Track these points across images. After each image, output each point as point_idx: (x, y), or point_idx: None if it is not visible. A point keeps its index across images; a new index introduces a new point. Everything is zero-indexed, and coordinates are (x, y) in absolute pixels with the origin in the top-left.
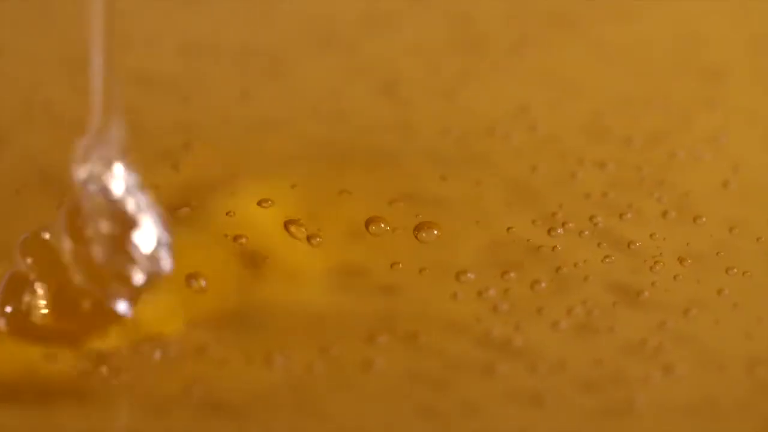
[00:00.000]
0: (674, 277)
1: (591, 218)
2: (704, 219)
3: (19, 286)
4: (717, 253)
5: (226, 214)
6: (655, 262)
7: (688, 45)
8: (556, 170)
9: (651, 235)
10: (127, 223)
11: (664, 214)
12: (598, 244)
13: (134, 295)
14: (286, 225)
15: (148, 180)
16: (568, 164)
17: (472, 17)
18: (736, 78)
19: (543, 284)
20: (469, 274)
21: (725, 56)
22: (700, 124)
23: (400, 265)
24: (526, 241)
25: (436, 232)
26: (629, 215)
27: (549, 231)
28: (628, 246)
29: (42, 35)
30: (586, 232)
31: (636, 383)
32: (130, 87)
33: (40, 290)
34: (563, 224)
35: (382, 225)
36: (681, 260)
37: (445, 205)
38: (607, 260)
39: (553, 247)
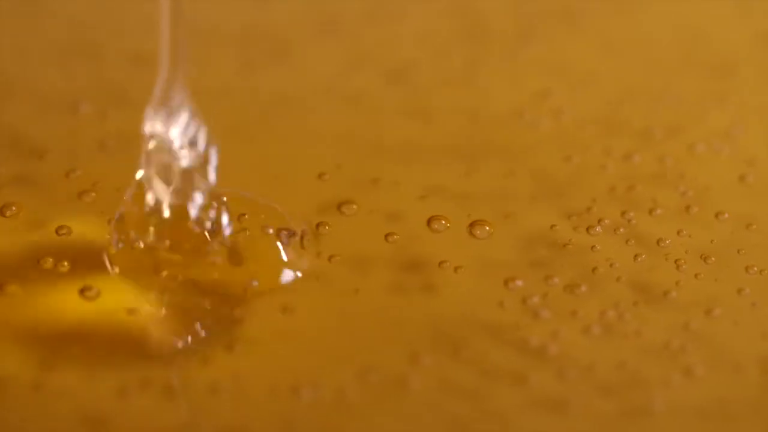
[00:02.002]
0: (695, 276)
1: (623, 213)
2: (726, 215)
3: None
4: (738, 251)
5: None
6: (678, 260)
7: (692, 40)
8: (581, 162)
9: (678, 232)
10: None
11: (687, 208)
12: (628, 242)
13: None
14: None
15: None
16: (593, 156)
17: (476, 8)
18: (743, 73)
19: (583, 288)
20: (517, 282)
21: (730, 52)
22: (710, 118)
23: (447, 263)
24: (568, 240)
25: (488, 228)
26: (658, 211)
27: (588, 229)
28: (658, 243)
29: (30, 18)
30: (621, 230)
31: (659, 386)
32: (126, 68)
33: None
34: (599, 221)
35: (443, 222)
36: (705, 258)
37: (473, 198)
38: (638, 259)
39: (592, 247)
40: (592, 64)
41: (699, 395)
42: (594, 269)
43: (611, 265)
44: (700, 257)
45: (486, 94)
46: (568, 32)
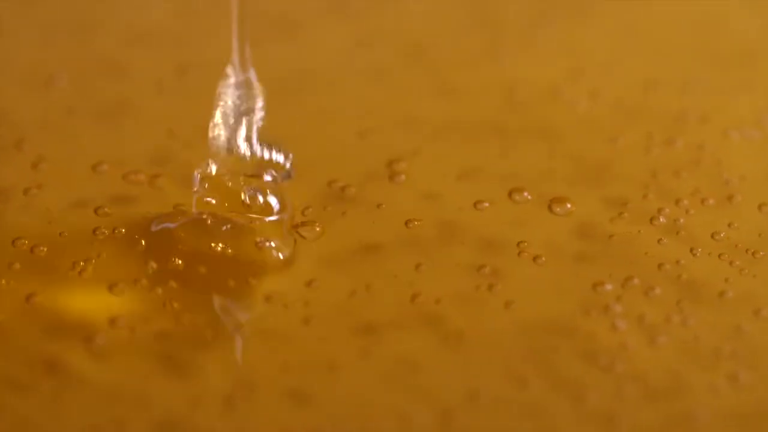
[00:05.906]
0: (742, 272)
1: (677, 202)
2: None
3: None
4: None
5: None
6: (731, 255)
7: (708, 27)
8: (620, 147)
9: (729, 224)
10: None
11: (731, 198)
12: (679, 233)
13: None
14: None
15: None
16: (629, 141)
17: None
18: (763, 61)
19: (657, 290)
20: (607, 285)
21: (748, 39)
22: (738, 106)
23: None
24: (638, 232)
25: (569, 205)
26: (711, 201)
27: (651, 220)
28: (712, 237)
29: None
30: (682, 220)
31: (706, 392)
32: (125, 45)
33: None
34: (659, 210)
35: (525, 194)
36: (753, 253)
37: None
38: (696, 253)
39: (659, 240)
40: (609, 50)
41: (743, 401)
42: (660, 265)
43: (677, 262)
44: (747, 251)
45: (506, 74)
46: (582, 18)
